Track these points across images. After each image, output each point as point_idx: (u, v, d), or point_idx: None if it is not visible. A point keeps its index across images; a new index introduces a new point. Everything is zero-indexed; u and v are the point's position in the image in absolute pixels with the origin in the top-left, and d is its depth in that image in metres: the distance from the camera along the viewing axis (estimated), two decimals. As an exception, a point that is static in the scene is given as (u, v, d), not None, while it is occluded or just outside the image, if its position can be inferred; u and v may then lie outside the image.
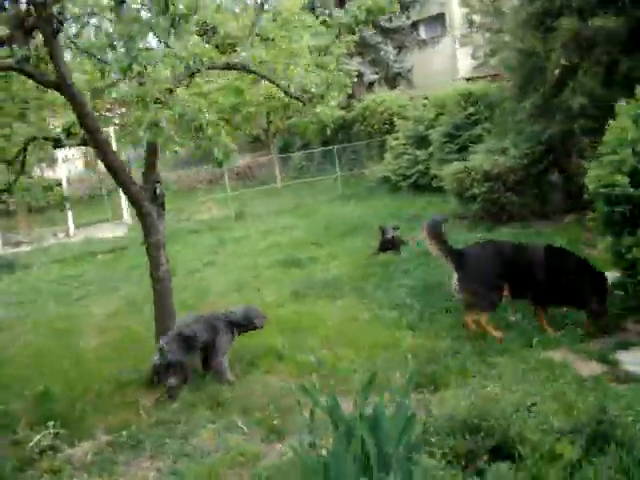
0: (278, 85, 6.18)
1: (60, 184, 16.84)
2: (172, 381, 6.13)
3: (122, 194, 19.26)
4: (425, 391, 5.31)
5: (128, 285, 11.54)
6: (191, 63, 4.97)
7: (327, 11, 6.33)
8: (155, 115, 4.48)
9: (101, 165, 22.31)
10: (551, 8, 9.83)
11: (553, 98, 9.93)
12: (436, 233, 6.93)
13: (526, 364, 5.52)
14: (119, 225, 18.92)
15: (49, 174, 17.96)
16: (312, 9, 21.41)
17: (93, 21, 7.13)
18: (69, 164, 26.14)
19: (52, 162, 21.44)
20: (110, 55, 4.95)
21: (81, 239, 17.46)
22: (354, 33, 6.19)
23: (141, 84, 4.83)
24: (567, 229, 10.45)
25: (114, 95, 5.55)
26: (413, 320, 7.38)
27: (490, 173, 11.39)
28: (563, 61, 9.49)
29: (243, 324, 6.60)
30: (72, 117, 6.97)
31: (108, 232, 17.85)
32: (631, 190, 5.73)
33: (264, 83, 16.22)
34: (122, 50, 4.50)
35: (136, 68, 4.63)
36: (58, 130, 7.83)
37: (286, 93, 6.21)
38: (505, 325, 6.90)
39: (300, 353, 6.79)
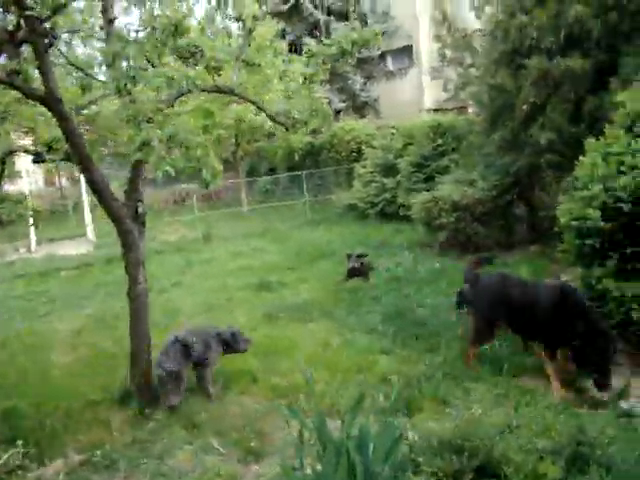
0: (263, 109, 6.29)
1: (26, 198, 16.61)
2: (174, 400, 6.15)
3: (86, 211, 19.25)
4: (400, 415, 5.41)
5: (94, 303, 11.41)
6: (183, 84, 5.05)
7: (313, 41, 6.47)
8: (147, 135, 4.53)
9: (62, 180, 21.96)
10: (521, 47, 10.22)
11: (522, 133, 10.28)
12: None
13: (499, 389, 5.67)
14: (83, 242, 18.67)
15: (9, 188, 17.69)
16: (283, 37, 21.74)
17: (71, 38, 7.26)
18: (29, 178, 25.80)
19: (14, 175, 21.18)
20: (104, 72, 4.99)
21: (43, 255, 17.16)
22: (338, 61, 6.34)
23: (132, 102, 4.87)
24: (532, 260, 10.72)
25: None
26: (386, 345, 7.49)
27: (458, 203, 11.66)
28: (532, 98, 9.84)
29: (231, 344, 6.66)
30: (45, 132, 7.00)
31: (72, 249, 17.57)
32: (602, 224, 5.98)
33: (235, 106, 16.33)
34: (121, 68, 4.54)
35: (129, 87, 4.68)
36: (23, 143, 7.77)
37: (271, 118, 6.32)
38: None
39: (274, 376, 6.83)
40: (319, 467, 3.66)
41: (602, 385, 5.68)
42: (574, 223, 6.32)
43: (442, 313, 8.61)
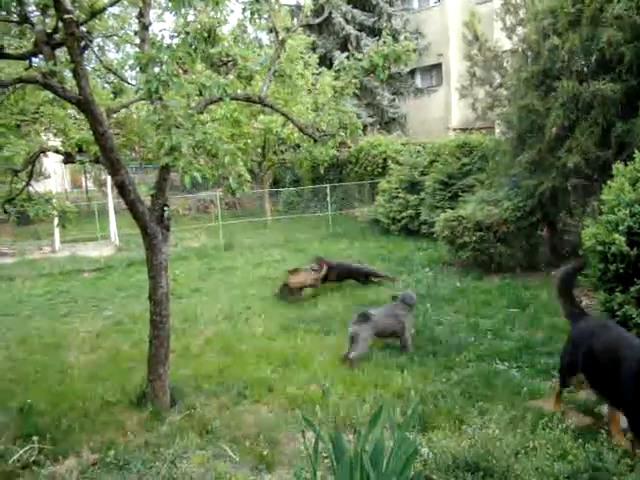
0: (292, 120, 6.33)
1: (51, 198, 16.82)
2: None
3: (111, 214, 19.44)
4: (415, 431, 5.37)
5: (114, 305, 11.53)
6: (215, 92, 5.10)
7: (343, 55, 6.53)
8: (177, 140, 4.58)
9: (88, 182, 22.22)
10: (552, 69, 10.20)
11: (549, 155, 10.22)
12: (565, 287, 6.10)
13: (515, 411, 5.60)
14: (107, 245, 18.84)
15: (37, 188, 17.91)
16: (313, 50, 21.95)
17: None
18: (56, 179, 26.13)
19: (40, 176, 21.51)
20: (134, 77, 5.07)
21: (67, 255, 17.38)
22: (370, 75, 6.38)
23: (164, 107, 4.93)
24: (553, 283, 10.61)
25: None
26: (403, 361, 7.46)
27: (482, 223, 11.61)
28: (561, 120, 9.78)
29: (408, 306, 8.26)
30: (75, 133, 7.11)
31: (95, 251, 17.74)
32: (627, 249, 5.92)
33: (262, 117, 16.44)
34: (153, 73, 4.61)
35: (161, 92, 4.75)
36: (53, 144, 7.90)
37: (301, 130, 6.36)
38: (493, 372, 6.99)
39: (290, 386, 6.83)
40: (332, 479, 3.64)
41: None
42: (599, 247, 6.27)
43: (460, 332, 8.57)
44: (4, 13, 5.20)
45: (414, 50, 6.48)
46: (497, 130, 16.85)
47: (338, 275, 11.81)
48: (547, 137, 10.01)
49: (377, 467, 3.53)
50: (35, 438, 5.54)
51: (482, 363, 7.32)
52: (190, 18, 4.99)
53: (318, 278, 11.35)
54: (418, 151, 18.73)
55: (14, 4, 5.11)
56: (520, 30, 13.78)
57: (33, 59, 5.69)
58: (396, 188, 17.52)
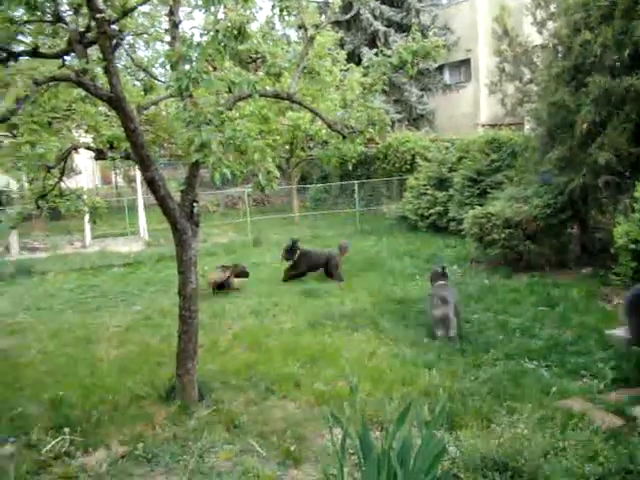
0: (321, 117, 6.33)
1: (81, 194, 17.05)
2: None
3: (140, 209, 19.66)
4: (442, 429, 5.35)
5: (143, 300, 11.66)
6: (244, 89, 5.13)
7: (371, 52, 6.52)
8: (207, 137, 4.61)
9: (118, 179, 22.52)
10: (583, 64, 10.05)
11: (580, 152, 10.08)
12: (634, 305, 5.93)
13: (544, 411, 5.55)
14: (136, 240, 19.06)
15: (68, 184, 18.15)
16: (341, 46, 21.83)
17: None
18: (87, 175, 26.46)
19: (72, 172, 21.80)
20: (164, 75, 5.11)
21: (97, 250, 17.61)
22: (399, 71, 6.35)
23: (194, 104, 4.97)
24: (584, 281, 10.49)
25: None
26: (431, 359, 7.42)
27: (511, 220, 11.49)
28: (592, 116, 9.64)
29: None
30: (106, 130, 7.20)
31: (125, 246, 17.98)
32: (660, 247, 5.84)
33: (290, 113, 16.46)
34: (184, 70, 4.65)
35: (191, 89, 4.79)
36: (84, 141, 8.02)
37: (329, 126, 6.36)
38: (521, 371, 6.93)
39: (317, 382, 6.83)
40: (359, 476, 3.65)
41: None
42: (631, 245, 6.19)
43: (489, 330, 8.50)
44: (39, 13, 5.27)
45: (443, 46, 6.43)
46: (527, 126, 16.69)
47: (308, 267, 12.49)
48: (578, 133, 9.87)
49: (404, 465, 3.53)
50: (66, 430, 5.66)
51: (510, 362, 7.25)
52: (220, 16, 5.01)
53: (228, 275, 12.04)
54: (447, 147, 18.63)
55: (48, 4, 5.19)
56: (551, 24, 13.63)
57: (66, 58, 5.78)
58: (424, 185, 17.44)
